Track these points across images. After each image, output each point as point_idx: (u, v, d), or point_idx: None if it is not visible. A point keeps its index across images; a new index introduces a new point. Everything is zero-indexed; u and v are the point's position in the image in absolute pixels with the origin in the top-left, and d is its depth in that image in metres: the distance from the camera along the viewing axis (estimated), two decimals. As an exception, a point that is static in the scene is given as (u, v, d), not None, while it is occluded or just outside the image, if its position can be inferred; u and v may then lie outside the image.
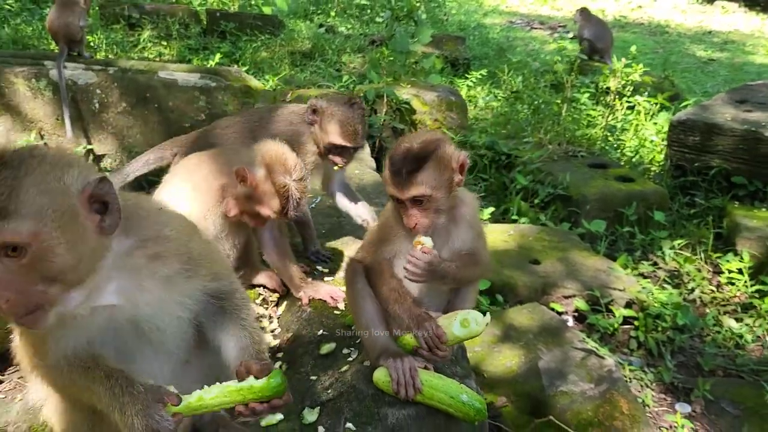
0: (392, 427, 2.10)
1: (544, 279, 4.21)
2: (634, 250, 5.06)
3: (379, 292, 2.36)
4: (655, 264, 4.87)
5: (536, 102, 7.49)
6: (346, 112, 3.31)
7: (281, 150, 2.82)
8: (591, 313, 3.97)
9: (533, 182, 5.65)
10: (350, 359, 2.53)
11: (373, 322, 2.31)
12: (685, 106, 6.86)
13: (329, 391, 2.29)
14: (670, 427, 3.32)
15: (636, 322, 3.94)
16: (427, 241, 2.28)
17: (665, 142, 6.28)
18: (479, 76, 8.62)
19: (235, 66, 7.90)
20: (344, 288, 2.71)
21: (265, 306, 3.14)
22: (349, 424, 2.11)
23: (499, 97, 8.25)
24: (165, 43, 9.07)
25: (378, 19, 11.77)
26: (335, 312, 2.91)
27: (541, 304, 3.90)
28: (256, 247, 3.22)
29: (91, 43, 8.03)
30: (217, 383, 1.68)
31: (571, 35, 13.67)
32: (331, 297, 3.01)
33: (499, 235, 4.75)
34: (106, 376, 1.60)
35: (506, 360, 3.45)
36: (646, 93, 7.28)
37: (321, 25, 10.93)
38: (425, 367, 2.26)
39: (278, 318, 3.07)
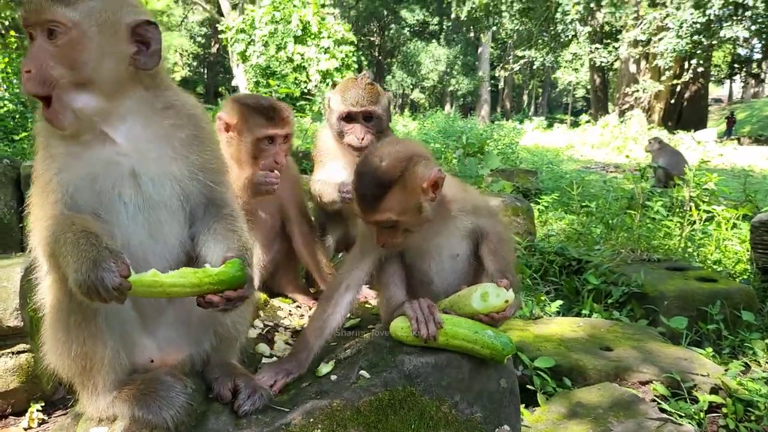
0: (409, 373, 1.95)
1: (616, 363, 3.89)
2: (722, 349, 4.62)
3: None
4: (746, 365, 4.40)
5: (609, 219, 7.39)
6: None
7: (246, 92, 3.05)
8: (671, 398, 3.58)
9: (605, 283, 5.42)
10: (373, 329, 2.43)
11: (393, 280, 2.23)
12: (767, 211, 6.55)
13: (347, 350, 2.20)
14: None
15: (724, 409, 3.50)
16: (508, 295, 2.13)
17: (749, 253, 5.95)
18: (550, 201, 8.68)
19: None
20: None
21: (299, 306, 3.11)
22: (363, 372, 1.99)
23: (571, 217, 8.21)
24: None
25: (453, 160, 12.40)
26: (366, 305, 2.85)
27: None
28: (296, 259, 3.26)
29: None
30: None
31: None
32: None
33: (567, 326, 4.51)
34: (82, 229, 1.69)
35: (572, 435, 3.14)
36: (724, 206, 7.04)
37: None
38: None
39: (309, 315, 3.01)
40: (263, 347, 2.46)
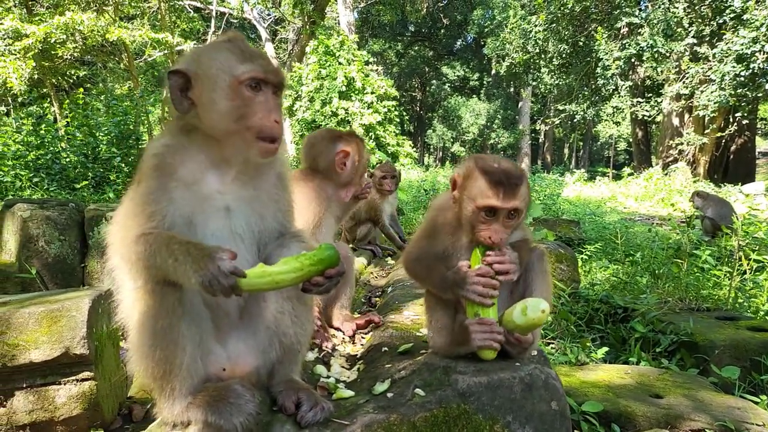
0: (462, 391, 2.05)
1: (667, 411, 3.82)
2: (778, 401, 4.47)
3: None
4: (806, 419, 4.24)
5: (656, 269, 7.30)
6: None
7: None
8: (725, 447, 3.49)
9: (653, 332, 5.34)
10: (425, 353, 2.53)
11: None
12: (821, 260, 6.38)
13: (402, 371, 2.30)
14: None
15: (782, 460, 3.40)
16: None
17: (805, 303, 5.79)
18: (594, 250, 8.62)
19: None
20: None
21: (352, 335, 3.21)
22: (418, 390, 2.08)
23: (615, 267, 8.12)
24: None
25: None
26: (417, 333, 2.95)
27: (665, 434, 3.53)
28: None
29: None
30: None
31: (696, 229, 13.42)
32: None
33: (615, 373, 4.46)
34: (186, 240, 1.89)
35: (623, 481, 3.09)
36: (776, 257, 6.89)
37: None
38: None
39: (362, 344, 3.15)
40: (321, 369, 2.59)
